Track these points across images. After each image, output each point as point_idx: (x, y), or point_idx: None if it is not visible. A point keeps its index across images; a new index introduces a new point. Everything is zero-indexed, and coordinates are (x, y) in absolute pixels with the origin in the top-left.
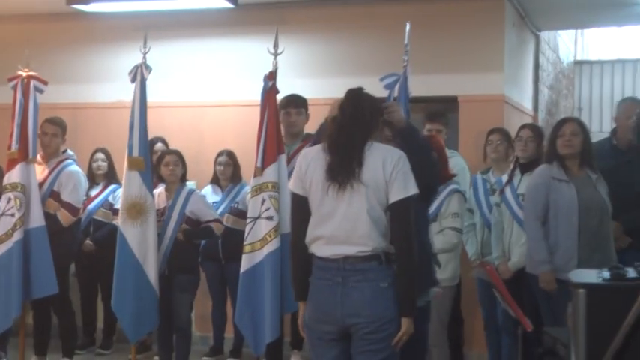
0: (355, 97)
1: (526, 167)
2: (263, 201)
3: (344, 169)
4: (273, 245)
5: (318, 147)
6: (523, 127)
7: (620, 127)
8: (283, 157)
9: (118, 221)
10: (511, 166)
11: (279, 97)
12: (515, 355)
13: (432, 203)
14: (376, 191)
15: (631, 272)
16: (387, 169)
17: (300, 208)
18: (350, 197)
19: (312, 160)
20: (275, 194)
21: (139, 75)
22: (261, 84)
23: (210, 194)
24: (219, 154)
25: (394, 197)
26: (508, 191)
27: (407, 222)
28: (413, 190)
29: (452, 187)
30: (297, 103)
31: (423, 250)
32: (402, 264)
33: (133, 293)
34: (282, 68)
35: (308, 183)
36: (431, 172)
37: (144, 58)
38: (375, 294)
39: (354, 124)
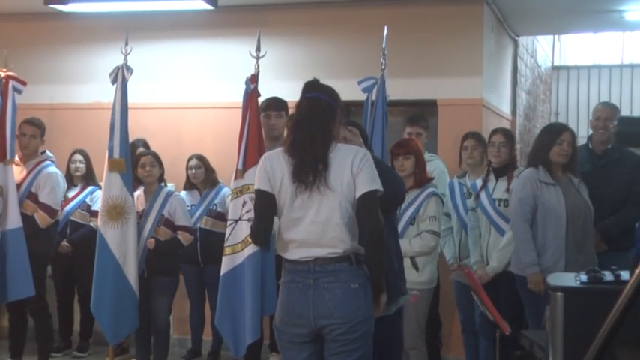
0: (310, 88)
1: (500, 172)
2: (244, 203)
3: (309, 170)
4: (253, 247)
5: (277, 151)
6: (495, 132)
7: (594, 132)
8: None
9: (98, 223)
10: (485, 171)
11: (260, 99)
12: (492, 358)
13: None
14: (347, 194)
15: (608, 275)
16: (354, 166)
17: (267, 204)
18: (320, 201)
19: (277, 164)
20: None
21: (120, 76)
22: (241, 86)
23: (187, 200)
24: (190, 159)
25: (361, 190)
26: (483, 196)
27: (375, 213)
28: (377, 185)
29: (429, 190)
30: (277, 106)
31: (390, 259)
32: (372, 253)
33: (113, 295)
34: (262, 70)
35: (278, 186)
36: (400, 188)
37: (125, 59)
38: (346, 295)
39: (312, 121)
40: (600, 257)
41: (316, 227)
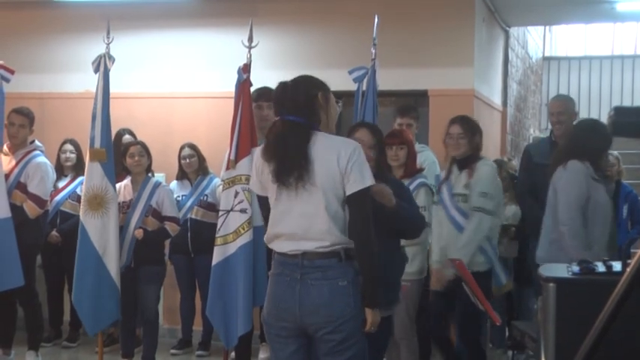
0: (282, 90)
1: (463, 163)
2: (236, 194)
3: (290, 170)
4: (246, 238)
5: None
6: (453, 122)
7: (552, 126)
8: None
9: (80, 213)
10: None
11: (251, 89)
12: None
13: None
14: (333, 188)
15: (600, 267)
16: (341, 161)
17: (265, 206)
18: (307, 196)
19: (263, 162)
20: (248, 187)
21: (102, 65)
22: (232, 76)
23: (178, 190)
24: (182, 147)
25: (351, 189)
26: (444, 190)
27: (365, 213)
28: (369, 181)
29: (419, 180)
30: (268, 96)
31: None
32: (363, 256)
33: (92, 286)
34: (253, 60)
35: (266, 182)
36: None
37: (107, 48)
38: (333, 293)
39: (286, 125)
40: None
41: (304, 219)
